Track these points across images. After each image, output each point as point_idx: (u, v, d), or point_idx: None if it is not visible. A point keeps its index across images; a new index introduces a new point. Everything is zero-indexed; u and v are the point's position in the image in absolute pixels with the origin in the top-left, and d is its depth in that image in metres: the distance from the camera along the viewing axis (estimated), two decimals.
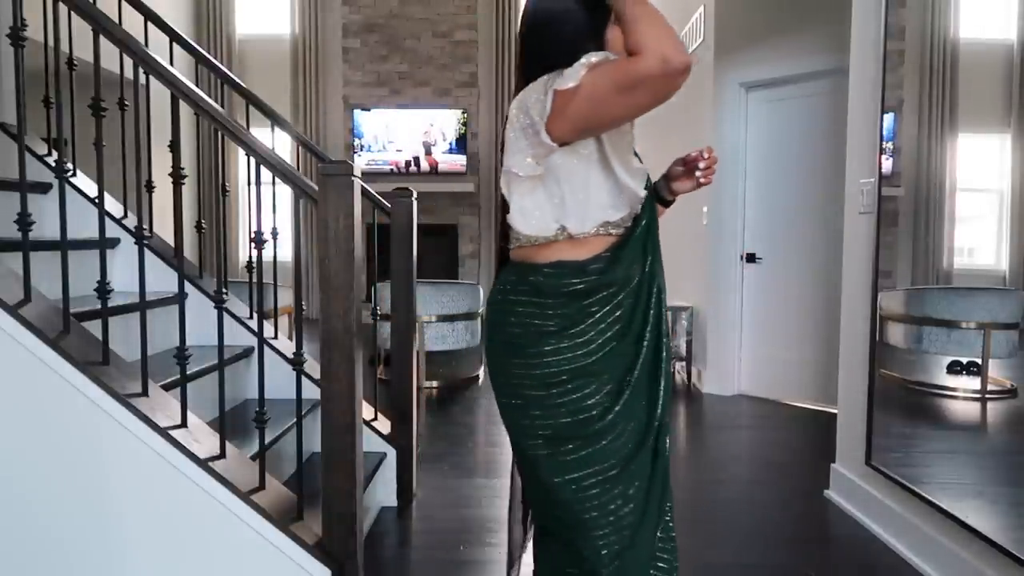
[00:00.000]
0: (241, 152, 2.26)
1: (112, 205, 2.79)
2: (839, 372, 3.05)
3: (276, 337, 2.98)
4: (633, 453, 1.33)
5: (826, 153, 4.25)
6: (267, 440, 2.15)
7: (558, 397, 1.31)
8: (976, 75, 2.43)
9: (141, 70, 1.99)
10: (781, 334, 4.68)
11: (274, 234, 2.58)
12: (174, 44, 3.11)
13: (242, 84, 3.34)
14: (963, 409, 2.61)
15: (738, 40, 4.68)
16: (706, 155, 1.41)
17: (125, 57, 2.01)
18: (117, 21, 2.16)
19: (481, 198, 8.70)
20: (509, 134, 1.32)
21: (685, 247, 5.21)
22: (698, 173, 1.42)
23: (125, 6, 2.96)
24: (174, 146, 1.98)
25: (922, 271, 2.69)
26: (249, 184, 2.21)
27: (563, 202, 1.31)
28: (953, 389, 2.56)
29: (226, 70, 3.32)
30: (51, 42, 2.10)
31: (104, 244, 1.98)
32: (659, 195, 1.48)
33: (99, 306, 1.96)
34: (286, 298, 5.22)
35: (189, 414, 2.00)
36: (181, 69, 2.34)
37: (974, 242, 2.49)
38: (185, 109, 2.03)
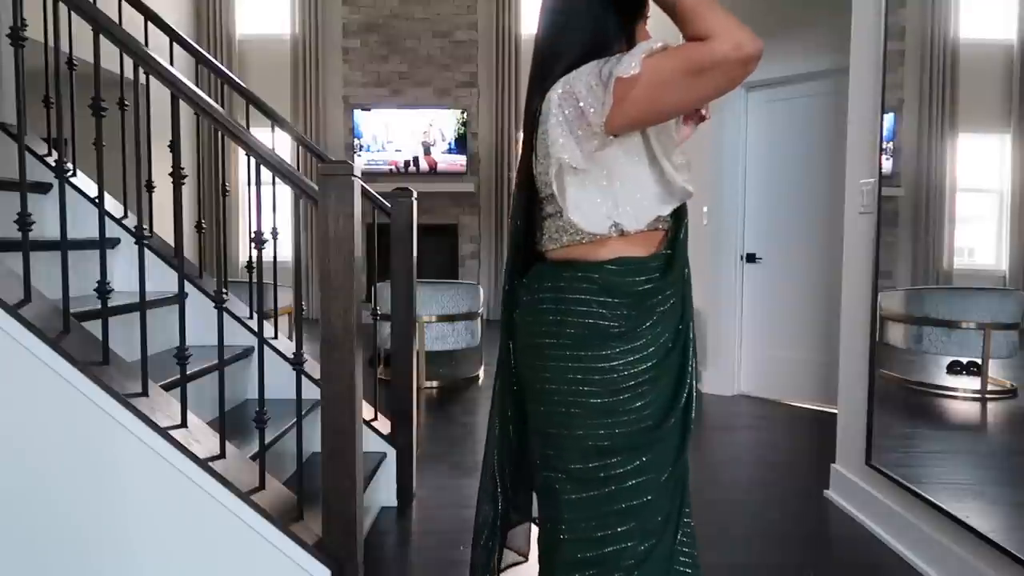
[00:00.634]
0: (241, 152, 2.26)
1: (112, 205, 2.79)
2: (839, 372, 3.05)
3: (276, 337, 2.98)
4: (671, 464, 1.29)
5: (826, 153, 4.25)
6: (267, 440, 2.15)
7: (618, 404, 1.23)
8: (976, 75, 2.43)
9: (141, 70, 2.00)
10: (781, 334, 4.68)
11: (274, 234, 2.58)
12: (174, 44, 3.11)
13: (242, 84, 3.34)
14: (963, 409, 2.61)
15: None
16: None
17: (125, 57, 2.01)
18: (117, 21, 2.16)
19: (481, 198, 8.70)
20: (553, 127, 1.23)
21: None
22: None
23: (125, 6, 2.96)
24: (174, 146, 1.98)
25: (922, 271, 2.69)
26: (249, 184, 2.21)
27: (615, 198, 1.25)
28: (953, 389, 2.56)
29: (226, 70, 3.32)
30: (51, 42, 2.10)
31: (104, 244, 1.98)
32: None
33: (99, 306, 1.96)
34: (286, 298, 5.21)
35: (189, 414, 2.00)
36: (181, 69, 2.34)
37: (974, 242, 2.49)
38: (185, 109, 2.03)
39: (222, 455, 1.98)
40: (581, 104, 1.19)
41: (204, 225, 2.96)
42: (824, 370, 4.21)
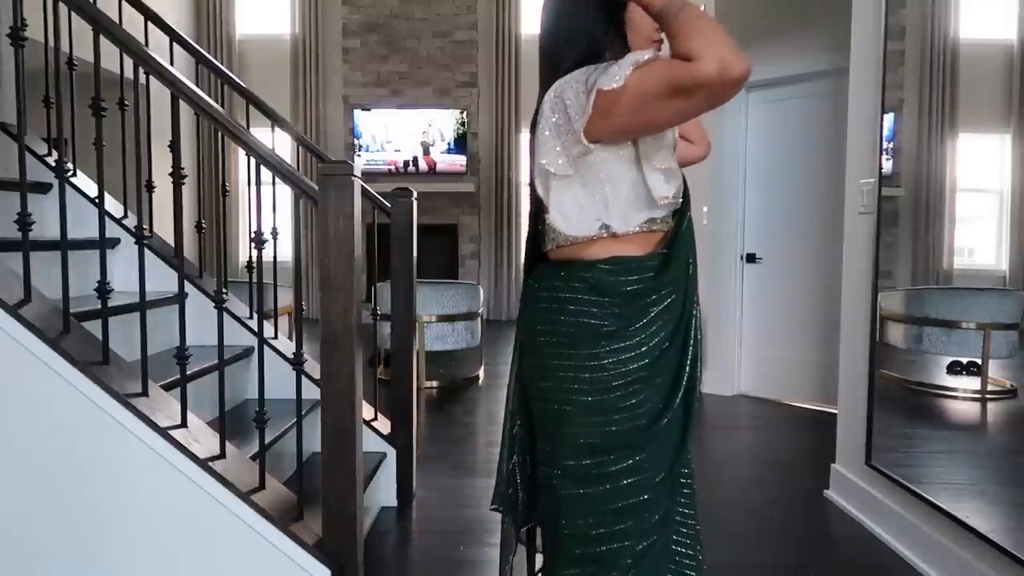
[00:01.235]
0: (241, 152, 2.26)
1: (112, 205, 2.79)
2: (839, 372, 3.05)
3: (276, 337, 2.98)
4: (670, 465, 1.29)
5: (826, 153, 4.25)
6: (267, 440, 2.15)
7: (609, 403, 1.24)
8: (976, 75, 2.43)
9: (141, 70, 2.00)
10: (781, 334, 4.68)
11: (274, 234, 2.58)
12: (174, 44, 3.11)
13: (242, 84, 3.34)
14: (963, 409, 2.61)
15: (738, 40, 4.62)
16: None
17: (125, 57, 2.01)
18: (117, 21, 2.16)
19: (481, 198, 8.70)
20: (543, 131, 1.26)
21: None
22: None
23: (125, 6, 2.96)
24: (174, 146, 1.98)
25: (922, 271, 2.69)
26: (249, 184, 2.21)
27: (605, 200, 1.25)
28: (953, 389, 2.56)
29: (226, 70, 3.32)
30: (51, 42, 2.10)
31: (104, 244, 1.98)
32: None
33: (99, 306, 1.96)
34: (286, 298, 5.21)
35: (189, 414, 2.00)
36: (181, 69, 2.34)
37: (974, 242, 2.49)
38: (185, 109, 2.03)
39: (222, 455, 1.98)
40: (569, 111, 1.21)
41: (204, 225, 2.96)
42: (824, 370, 4.21)
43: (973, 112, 2.45)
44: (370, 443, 2.83)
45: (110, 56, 2.03)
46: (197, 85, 2.12)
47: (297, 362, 2.07)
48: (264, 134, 2.85)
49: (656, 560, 1.29)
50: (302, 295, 2.37)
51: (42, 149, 2.79)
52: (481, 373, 5.50)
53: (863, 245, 2.84)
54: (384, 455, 2.91)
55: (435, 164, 8.43)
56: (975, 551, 2.13)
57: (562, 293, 1.29)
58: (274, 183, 2.26)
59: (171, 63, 2.82)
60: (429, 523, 2.81)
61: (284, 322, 5.15)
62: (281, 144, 6.42)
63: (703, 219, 4.87)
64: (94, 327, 2.03)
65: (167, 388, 2.12)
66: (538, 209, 1.36)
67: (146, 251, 2.06)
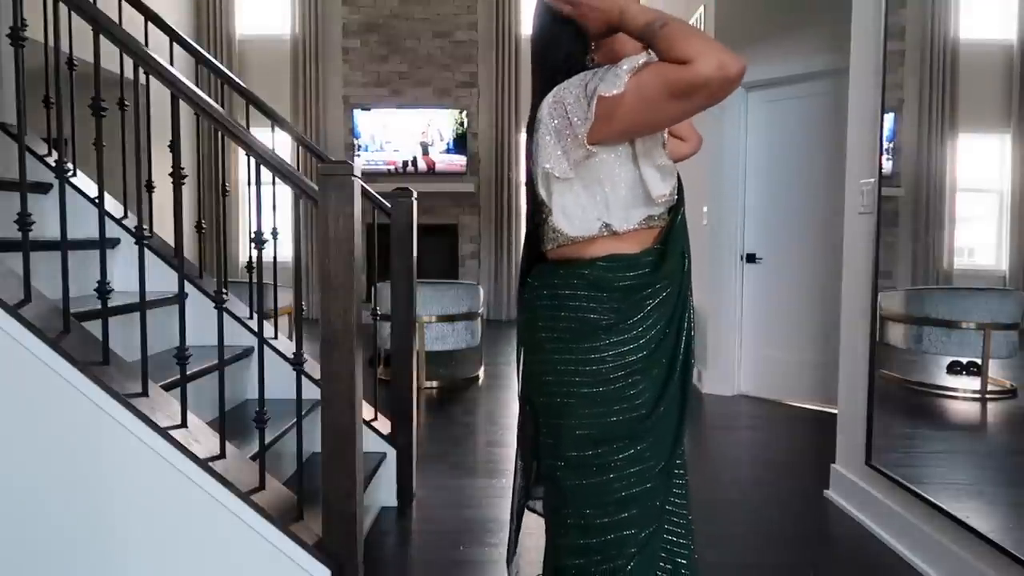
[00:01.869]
0: (241, 152, 2.26)
1: (112, 205, 2.79)
2: (839, 372, 3.05)
3: (276, 337, 2.98)
4: (668, 453, 1.33)
5: (826, 153, 4.25)
6: (267, 440, 2.15)
7: (610, 394, 1.28)
8: (976, 75, 2.43)
9: (141, 70, 1.99)
10: (781, 334, 4.68)
11: (274, 234, 2.58)
12: (174, 44, 3.11)
13: (242, 84, 3.34)
14: (963, 409, 2.61)
15: (738, 40, 4.67)
16: None
17: (125, 57, 2.01)
18: (117, 21, 2.16)
19: (481, 198, 8.70)
20: (543, 135, 1.30)
21: None
22: None
23: (125, 6, 2.96)
24: (174, 146, 1.98)
25: (922, 271, 2.69)
26: (249, 184, 2.21)
27: (605, 200, 1.30)
28: (953, 389, 2.56)
29: (226, 70, 3.32)
30: (51, 42, 2.10)
31: (104, 244, 1.98)
32: None
33: (99, 306, 1.96)
34: (286, 298, 5.21)
35: (189, 414, 2.00)
36: (181, 69, 2.34)
37: (974, 242, 2.49)
38: (185, 109, 2.03)
39: (222, 455, 1.98)
40: (569, 115, 1.24)
41: (204, 225, 2.96)
42: (824, 370, 4.22)
43: (973, 112, 2.45)
44: (370, 443, 2.83)
45: (110, 56, 2.03)
46: (197, 85, 2.12)
47: (297, 362, 2.07)
48: (264, 134, 2.85)
49: (654, 549, 1.32)
50: (302, 295, 2.37)
51: (42, 149, 2.79)
52: (481, 373, 5.50)
53: (863, 245, 2.84)
54: (384, 455, 2.91)
55: (434, 164, 8.43)
56: (975, 551, 2.13)
57: (561, 290, 1.33)
58: (274, 183, 2.26)
59: (171, 63, 2.82)
60: (429, 523, 2.81)
61: (284, 322, 5.15)
62: (281, 144, 6.43)
63: (703, 219, 4.87)
64: (94, 327, 2.03)
65: (167, 388, 2.12)
66: (536, 210, 1.39)
67: (146, 251, 2.06)
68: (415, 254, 3.03)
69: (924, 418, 2.81)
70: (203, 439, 1.99)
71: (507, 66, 8.42)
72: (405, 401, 2.97)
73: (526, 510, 1.52)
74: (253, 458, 2.11)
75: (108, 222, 2.37)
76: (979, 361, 2.37)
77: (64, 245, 1.93)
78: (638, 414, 1.28)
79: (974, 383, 2.44)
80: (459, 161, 8.44)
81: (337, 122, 8.56)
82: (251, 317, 2.94)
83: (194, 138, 7.45)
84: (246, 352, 2.81)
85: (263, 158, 2.03)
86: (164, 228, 3.06)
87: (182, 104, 1.97)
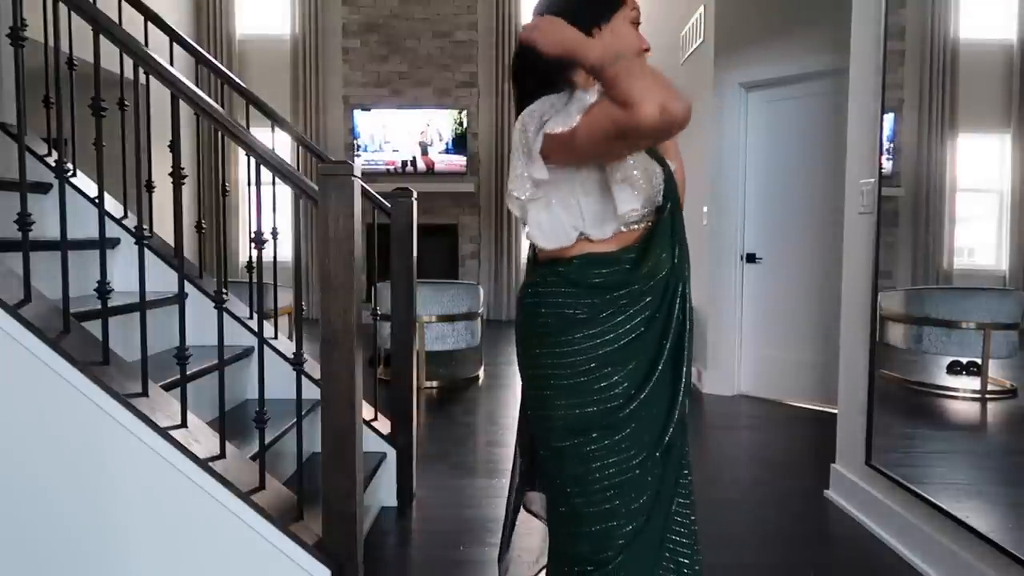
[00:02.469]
0: (241, 152, 2.26)
1: (112, 205, 2.79)
2: (839, 372, 3.05)
3: (276, 337, 2.98)
4: (653, 445, 1.35)
5: (826, 153, 4.25)
6: (267, 440, 2.15)
7: (584, 385, 1.33)
8: (976, 75, 2.43)
9: (141, 70, 2.00)
10: (781, 334, 4.68)
11: (274, 234, 2.58)
12: (174, 44, 3.11)
13: (242, 84, 3.34)
14: (963, 409, 2.61)
15: (738, 40, 4.68)
16: None
17: (125, 57, 2.01)
18: (117, 21, 2.16)
19: (481, 198, 8.70)
20: (513, 156, 1.35)
21: None
22: None
23: (125, 6, 2.96)
24: (174, 146, 1.98)
25: (922, 271, 2.69)
26: (249, 184, 2.21)
27: (580, 209, 1.34)
28: (953, 389, 2.56)
29: (226, 70, 3.32)
30: (51, 42, 2.10)
31: (104, 244, 1.98)
32: None
33: (99, 306, 1.96)
34: (286, 298, 5.21)
35: (189, 414, 2.00)
36: (181, 69, 2.34)
37: (974, 242, 2.49)
38: (185, 109, 2.03)
39: (222, 455, 1.98)
40: (530, 143, 1.30)
41: (204, 225, 2.96)
42: (824, 370, 4.22)
43: (973, 112, 2.45)
44: (370, 443, 2.83)
45: (110, 56, 2.03)
46: (197, 85, 2.12)
47: (297, 362, 2.07)
48: (264, 134, 2.85)
49: (646, 547, 1.33)
50: (302, 295, 2.37)
51: (42, 149, 2.79)
52: (481, 373, 5.50)
53: (863, 245, 2.84)
54: (384, 455, 2.91)
55: (433, 164, 8.43)
56: (975, 551, 2.13)
57: (542, 288, 1.39)
58: (274, 183, 2.26)
59: (171, 63, 2.82)
60: (429, 523, 2.81)
61: (284, 322, 5.15)
62: (281, 144, 6.42)
63: (703, 219, 4.87)
64: (94, 327, 2.03)
65: (167, 388, 2.12)
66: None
67: (146, 251, 2.06)
68: (415, 254, 3.03)
69: (924, 418, 2.81)
70: (203, 439, 1.99)
71: (507, 66, 8.41)
72: (405, 401, 2.97)
73: (521, 508, 1.56)
74: (253, 458, 2.11)
75: (108, 222, 2.37)
76: (979, 361, 2.37)
77: (64, 245, 1.93)
78: (612, 405, 1.32)
79: (974, 383, 2.44)
80: (459, 161, 8.44)
81: (337, 122, 8.56)
82: (251, 317, 2.94)
83: (194, 138, 7.44)
84: (246, 352, 2.81)
85: (263, 158, 2.03)
86: (164, 228, 3.05)
87: (182, 104, 1.97)
